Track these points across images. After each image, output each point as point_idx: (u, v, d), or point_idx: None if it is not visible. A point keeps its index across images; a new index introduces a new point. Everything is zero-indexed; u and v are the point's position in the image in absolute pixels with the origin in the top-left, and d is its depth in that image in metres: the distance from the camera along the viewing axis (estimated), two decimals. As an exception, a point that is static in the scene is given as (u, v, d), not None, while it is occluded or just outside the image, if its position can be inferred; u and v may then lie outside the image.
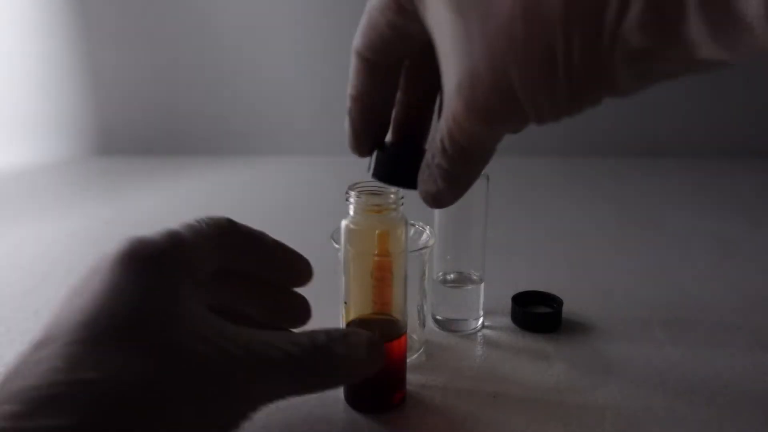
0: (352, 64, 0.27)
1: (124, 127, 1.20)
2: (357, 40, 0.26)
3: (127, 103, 1.19)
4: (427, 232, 0.40)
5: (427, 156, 0.26)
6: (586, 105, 0.20)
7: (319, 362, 0.27)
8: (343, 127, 0.29)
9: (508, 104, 0.20)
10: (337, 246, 0.36)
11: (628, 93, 0.20)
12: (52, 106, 1.20)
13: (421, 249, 0.38)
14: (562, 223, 0.73)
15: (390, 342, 0.32)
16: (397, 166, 0.28)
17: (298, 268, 0.32)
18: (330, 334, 0.28)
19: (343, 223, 0.32)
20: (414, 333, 0.39)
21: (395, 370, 0.34)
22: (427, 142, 0.26)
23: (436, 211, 0.42)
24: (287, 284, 0.33)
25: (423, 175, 0.26)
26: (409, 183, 0.28)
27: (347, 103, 0.28)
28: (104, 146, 1.19)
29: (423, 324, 0.41)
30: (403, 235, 0.32)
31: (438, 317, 0.44)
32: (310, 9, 1.11)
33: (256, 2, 1.11)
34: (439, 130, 0.24)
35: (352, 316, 0.33)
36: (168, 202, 0.85)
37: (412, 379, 0.36)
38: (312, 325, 0.34)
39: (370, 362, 0.29)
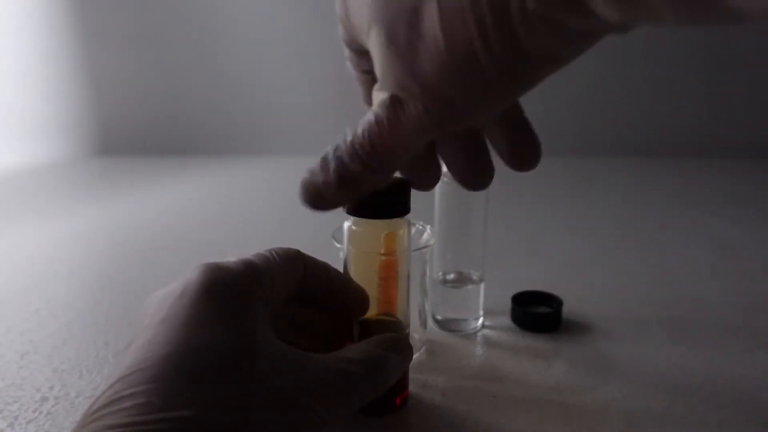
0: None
1: (124, 127, 1.20)
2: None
3: (127, 103, 1.19)
4: (428, 231, 0.40)
5: (329, 148, 0.25)
6: (521, 86, 0.20)
7: (377, 375, 0.28)
8: (342, 126, 0.30)
9: (442, 108, 0.21)
10: (339, 245, 0.36)
11: (561, 64, 0.20)
12: (52, 106, 1.20)
13: (422, 248, 0.38)
14: (562, 223, 0.73)
15: None
16: (359, 200, 0.29)
17: (355, 299, 0.32)
18: (378, 344, 0.29)
19: (346, 224, 0.32)
20: (415, 332, 0.39)
21: None
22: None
23: (436, 211, 0.42)
24: (343, 314, 0.33)
25: (316, 165, 0.25)
26: (379, 213, 0.28)
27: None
28: (105, 146, 1.20)
29: (424, 324, 0.41)
30: (406, 235, 0.32)
31: (438, 317, 0.44)
32: (311, 10, 1.11)
33: (256, 3, 1.11)
34: (356, 129, 0.24)
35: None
36: (168, 202, 0.85)
37: (413, 378, 0.36)
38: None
39: (408, 361, 0.31)
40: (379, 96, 0.23)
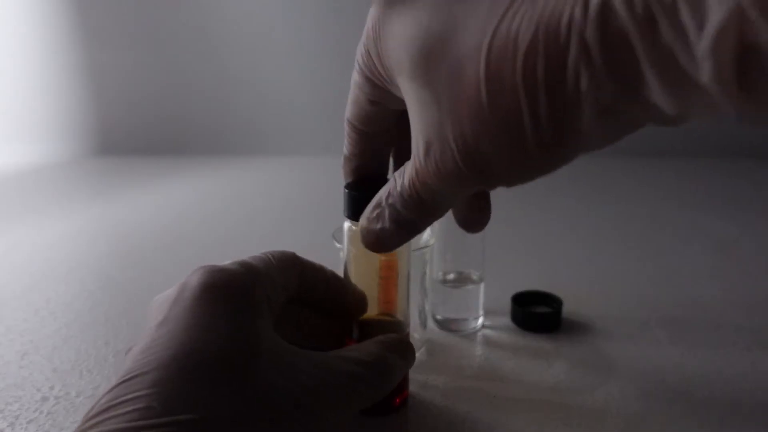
0: (345, 129, 0.29)
1: (124, 127, 1.20)
2: (347, 110, 0.29)
3: (127, 103, 1.19)
4: (428, 231, 0.40)
5: (381, 194, 0.26)
6: (559, 163, 0.20)
7: (380, 377, 0.28)
8: (342, 128, 0.30)
9: (476, 168, 0.21)
10: (339, 245, 0.36)
11: (600, 147, 0.20)
12: (52, 106, 1.20)
13: (422, 248, 0.38)
14: (563, 223, 0.73)
15: None
16: (358, 204, 0.29)
17: (353, 300, 0.32)
18: (382, 345, 0.29)
19: (346, 224, 0.32)
20: (415, 332, 0.39)
21: None
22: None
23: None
24: (343, 314, 0.33)
25: (371, 213, 0.26)
26: None
27: (342, 161, 0.31)
28: (104, 146, 1.19)
29: (424, 324, 0.41)
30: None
31: (438, 317, 0.44)
32: (310, 10, 1.11)
33: (257, 3, 1.11)
34: (401, 176, 0.24)
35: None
36: (168, 201, 0.85)
37: (413, 378, 0.36)
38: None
39: (411, 363, 0.31)
40: (417, 143, 0.23)
